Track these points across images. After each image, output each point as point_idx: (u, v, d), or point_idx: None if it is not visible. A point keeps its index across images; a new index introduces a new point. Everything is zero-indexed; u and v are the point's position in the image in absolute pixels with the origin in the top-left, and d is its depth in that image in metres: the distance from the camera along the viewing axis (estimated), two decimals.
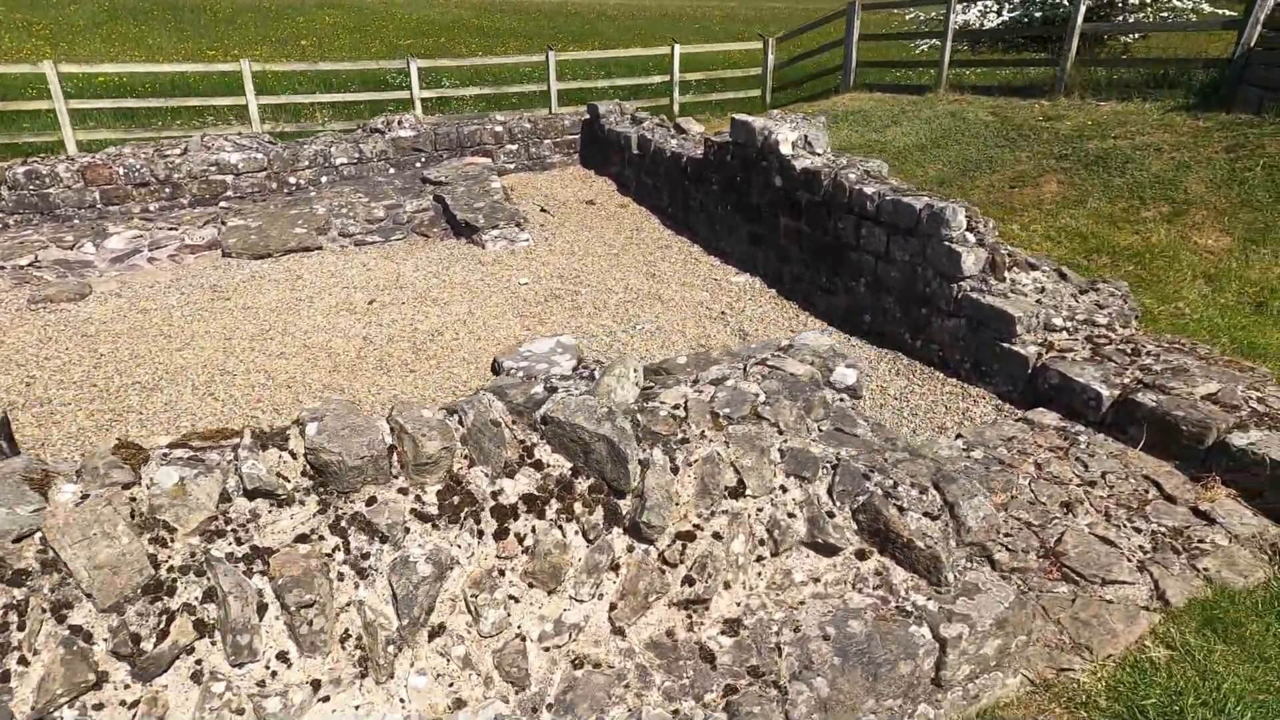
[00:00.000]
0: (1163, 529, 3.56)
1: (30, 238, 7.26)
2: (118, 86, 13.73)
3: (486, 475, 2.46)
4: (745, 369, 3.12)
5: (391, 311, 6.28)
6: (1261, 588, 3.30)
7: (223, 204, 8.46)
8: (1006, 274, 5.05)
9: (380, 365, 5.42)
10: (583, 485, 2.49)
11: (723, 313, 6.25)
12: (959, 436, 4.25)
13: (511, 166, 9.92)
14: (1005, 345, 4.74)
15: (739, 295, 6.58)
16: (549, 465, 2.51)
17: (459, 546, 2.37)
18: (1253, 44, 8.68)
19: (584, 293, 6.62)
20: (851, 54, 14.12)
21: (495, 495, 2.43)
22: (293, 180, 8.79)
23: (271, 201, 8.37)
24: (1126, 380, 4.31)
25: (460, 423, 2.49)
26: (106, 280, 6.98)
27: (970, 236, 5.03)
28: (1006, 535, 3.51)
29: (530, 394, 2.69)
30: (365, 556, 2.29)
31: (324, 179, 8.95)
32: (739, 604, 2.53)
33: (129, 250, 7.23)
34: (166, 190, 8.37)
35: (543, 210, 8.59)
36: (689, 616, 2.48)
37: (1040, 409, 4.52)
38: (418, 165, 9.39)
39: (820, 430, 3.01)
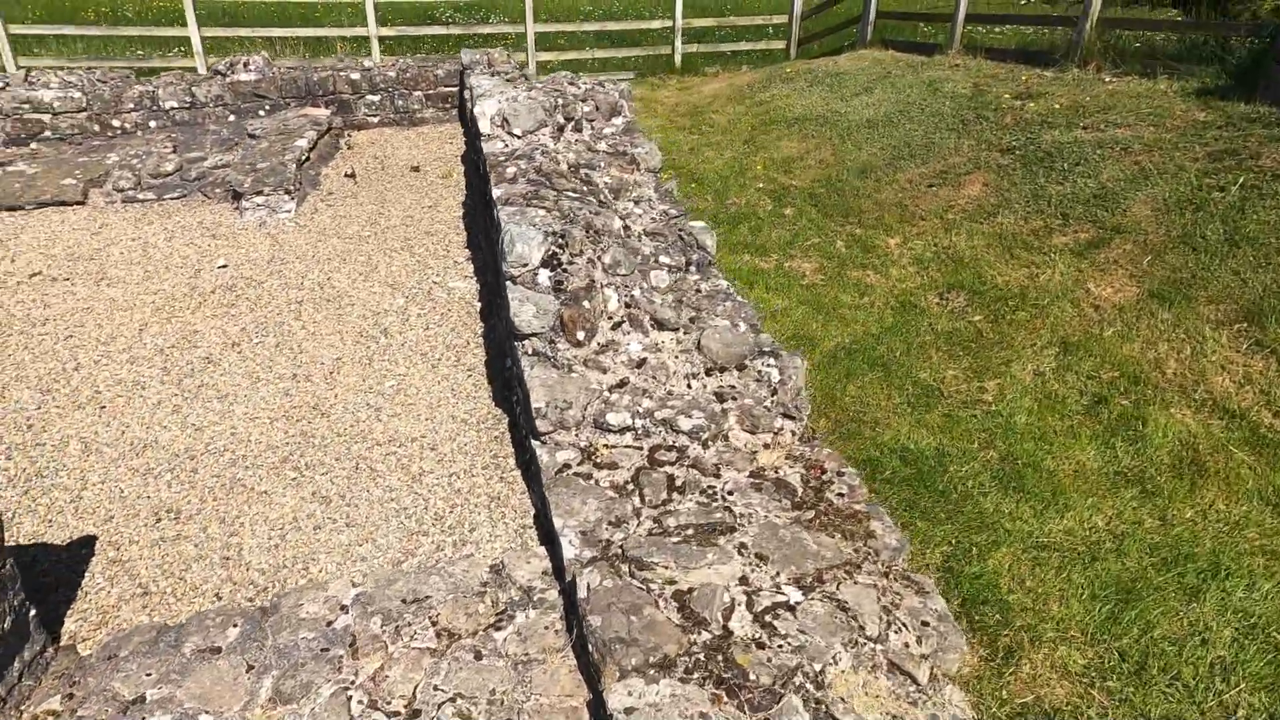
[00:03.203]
0: None
1: None
2: (57, 11, 13.59)
3: None
4: None
5: (32, 291, 5.45)
6: None
7: (34, 144, 7.92)
8: (605, 334, 3.49)
9: None
10: None
11: (385, 330, 4.96)
12: (357, 585, 2.88)
13: (374, 120, 8.78)
14: (534, 443, 3.25)
15: (436, 307, 5.25)
16: None
17: None
18: None
19: (266, 285, 5.51)
20: (870, 3, 11.80)
21: None
22: (116, 123, 8.11)
23: (82, 145, 7.75)
24: (615, 538, 2.75)
25: None
26: None
27: (544, 276, 3.49)
28: None
29: None
30: None
31: (153, 123, 8.22)
32: None
33: None
34: None
35: (348, 175, 7.46)
36: None
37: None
38: (261, 114, 8.47)
39: None
